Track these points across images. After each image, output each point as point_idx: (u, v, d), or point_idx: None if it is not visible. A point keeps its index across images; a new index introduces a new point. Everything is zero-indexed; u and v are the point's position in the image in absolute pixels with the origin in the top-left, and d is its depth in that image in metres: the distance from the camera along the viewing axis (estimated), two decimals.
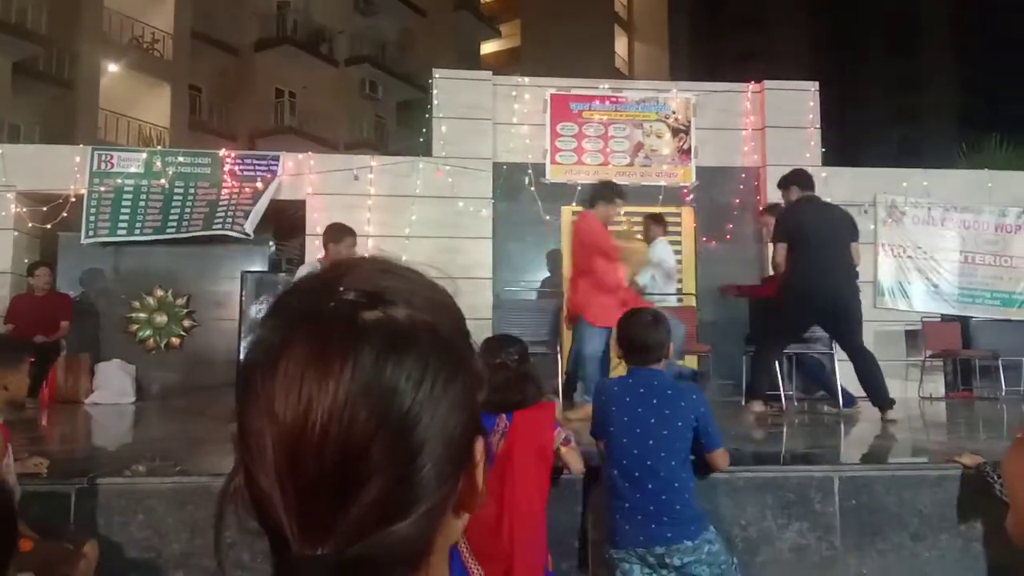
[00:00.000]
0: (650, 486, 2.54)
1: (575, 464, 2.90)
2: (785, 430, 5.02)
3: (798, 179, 5.73)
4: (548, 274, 8.21)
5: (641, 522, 2.54)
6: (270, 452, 0.48)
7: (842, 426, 5.19)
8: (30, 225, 7.92)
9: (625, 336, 2.77)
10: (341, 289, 0.51)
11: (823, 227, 5.40)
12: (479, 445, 0.54)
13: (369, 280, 0.53)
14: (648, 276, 6.68)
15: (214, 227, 7.66)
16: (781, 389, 5.74)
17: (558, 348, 6.19)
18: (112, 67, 19.09)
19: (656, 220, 7.28)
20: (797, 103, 8.55)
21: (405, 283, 0.54)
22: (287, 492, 0.47)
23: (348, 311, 0.50)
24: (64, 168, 7.79)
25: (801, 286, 5.32)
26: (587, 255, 5.37)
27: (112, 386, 7.23)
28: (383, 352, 0.49)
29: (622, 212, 8.20)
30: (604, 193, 5.60)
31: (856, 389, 5.80)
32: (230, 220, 7.68)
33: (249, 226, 7.60)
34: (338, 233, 5.51)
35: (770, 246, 5.79)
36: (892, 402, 5.30)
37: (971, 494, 3.19)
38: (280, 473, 0.47)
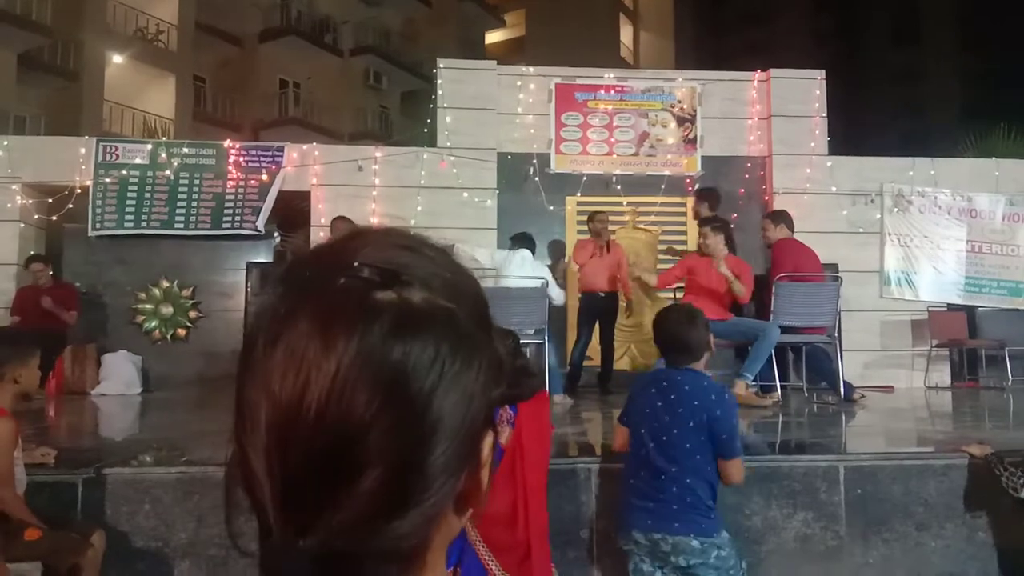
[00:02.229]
0: (663, 477, 2.53)
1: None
2: (789, 420, 5.01)
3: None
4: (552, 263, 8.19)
5: (652, 509, 2.54)
6: (263, 430, 0.45)
7: (844, 416, 5.18)
8: (35, 217, 7.94)
9: (661, 335, 2.70)
10: (356, 264, 0.48)
11: None
12: (488, 441, 0.51)
13: (387, 256, 0.49)
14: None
15: (223, 226, 7.75)
16: (776, 379, 5.71)
17: (546, 338, 6.17)
18: (116, 58, 19.07)
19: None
20: (803, 92, 8.51)
21: (426, 263, 0.50)
22: (274, 475, 0.44)
23: (360, 289, 0.47)
24: (69, 160, 7.81)
25: None
26: None
27: (119, 377, 7.27)
28: (391, 334, 0.45)
29: (625, 202, 8.26)
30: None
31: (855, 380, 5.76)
32: (239, 218, 7.77)
33: (260, 222, 7.74)
34: (345, 223, 5.62)
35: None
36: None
37: (977, 484, 3.19)
38: (270, 454, 0.44)
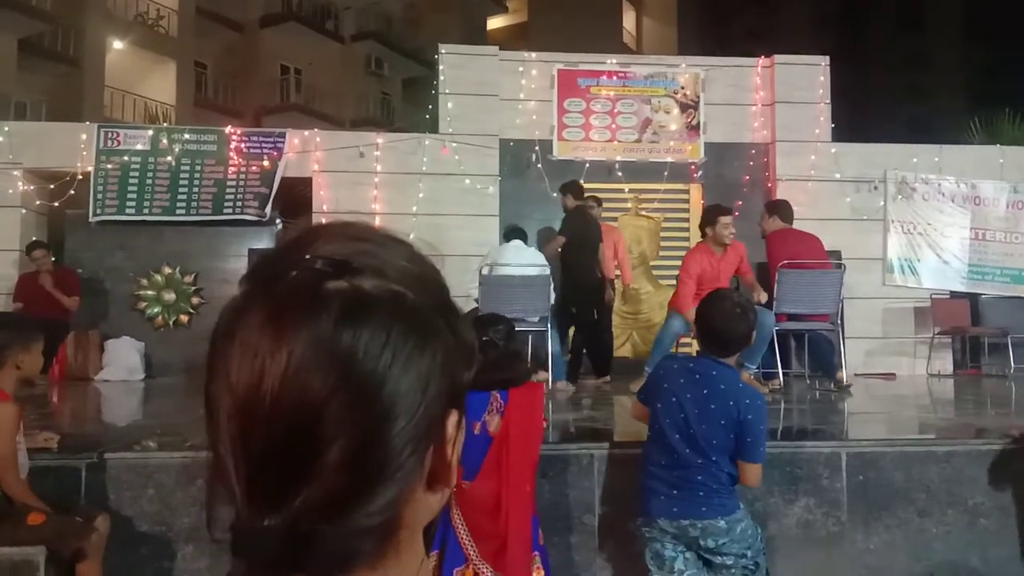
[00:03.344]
0: (689, 467, 2.52)
1: None
2: (791, 407, 5.01)
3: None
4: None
5: (678, 497, 2.53)
6: (225, 420, 0.47)
7: (846, 403, 5.18)
8: (37, 203, 7.93)
9: (705, 324, 2.58)
10: (307, 257, 0.49)
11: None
12: (452, 419, 0.52)
13: (341, 248, 0.51)
14: None
15: (224, 211, 7.74)
16: (779, 367, 5.71)
17: (549, 326, 6.14)
18: (117, 44, 19.01)
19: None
20: (807, 78, 8.45)
21: (379, 252, 0.52)
22: (239, 460, 0.46)
23: (311, 280, 0.48)
24: (70, 145, 7.79)
25: None
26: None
27: (121, 363, 7.28)
28: (341, 321, 0.47)
29: (627, 189, 8.23)
30: (708, 218, 5.75)
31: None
32: (240, 203, 7.75)
33: (267, 208, 7.76)
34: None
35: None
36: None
37: (978, 470, 3.19)
38: (234, 441, 0.47)
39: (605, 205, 7.58)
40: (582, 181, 8.13)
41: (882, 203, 8.28)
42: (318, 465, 0.45)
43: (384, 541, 0.49)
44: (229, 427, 0.47)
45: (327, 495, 0.46)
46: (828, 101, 8.45)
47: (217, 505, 0.50)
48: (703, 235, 5.72)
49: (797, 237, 6.22)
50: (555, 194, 8.14)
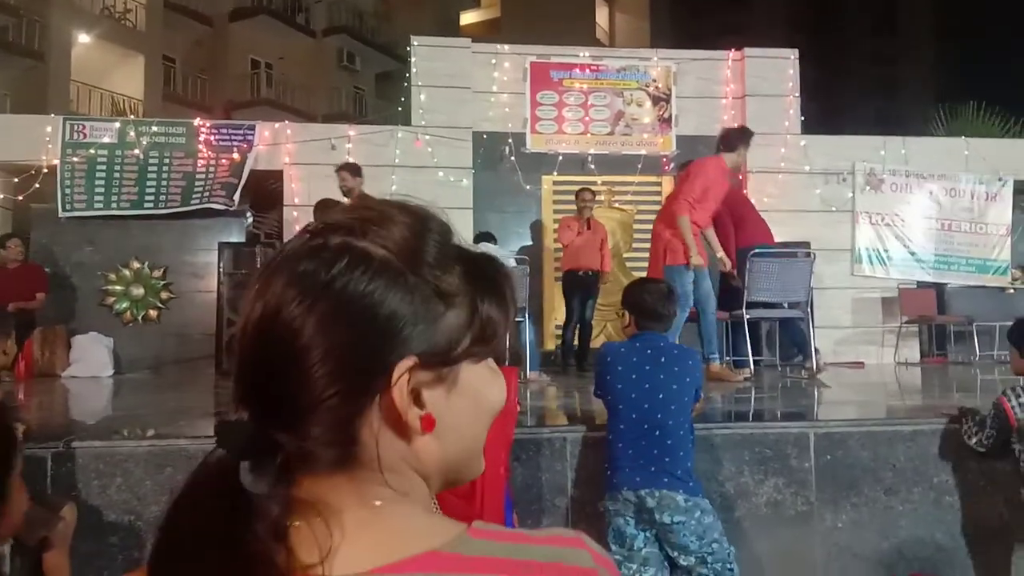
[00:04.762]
0: (657, 433, 2.67)
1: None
2: (762, 393, 5.07)
3: None
4: (530, 243, 8.19)
5: (642, 465, 2.64)
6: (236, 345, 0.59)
7: (816, 389, 5.25)
8: (1, 197, 7.78)
9: (641, 303, 2.93)
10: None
11: None
12: (401, 365, 0.55)
13: (340, 216, 0.61)
14: None
15: (192, 202, 7.63)
16: (749, 354, 5.77)
17: (527, 317, 6.18)
18: (83, 38, 18.65)
19: None
20: (777, 71, 8.55)
21: (365, 212, 0.61)
22: (236, 375, 0.58)
23: (298, 244, 0.59)
24: (35, 138, 7.64)
25: None
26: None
27: (89, 359, 7.15)
28: (306, 257, 0.57)
29: (600, 182, 8.27)
30: (744, 138, 5.61)
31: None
32: (208, 193, 7.65)
33: (235, 196, 7.66)
34: (328, 207, 5.66)
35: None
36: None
37: (943, 449, 3.25)
38: (237, 360, 0.59)
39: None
40: (555, 173, 8.21)
41: (851, 194, 8.40)
42: (266, 384, 0.56)
43: (345, 455, 0.56)
44: (235, 347, 0.59)
45: (273, 407, 0.55)
46: (798, 94, 8.55)
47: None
48: (725, 151, 5.55)
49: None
50: (528, 187, 8.19)
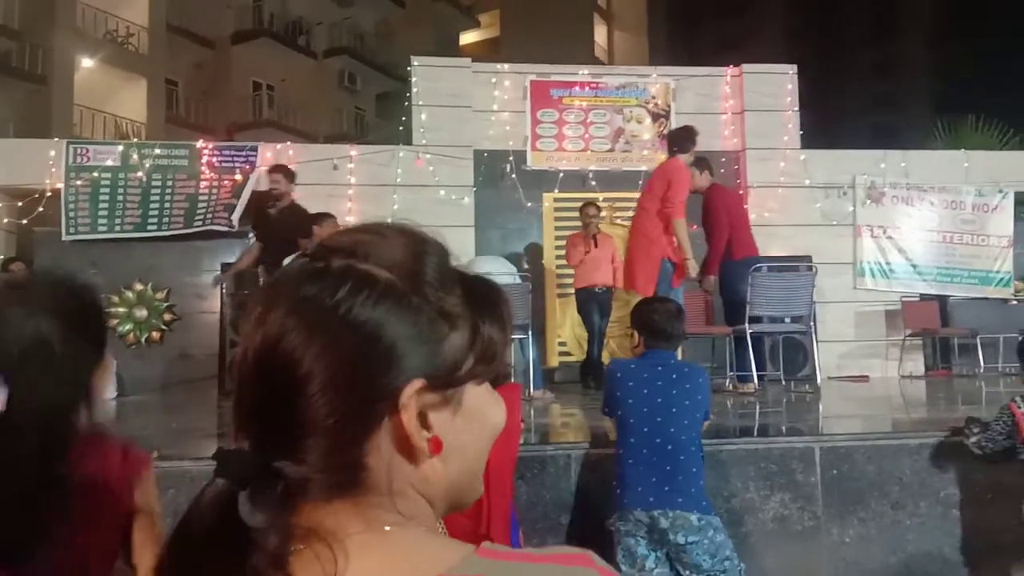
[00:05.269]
0: (669, 448, 2.66)
1: None
2: (767, 407, 5.05)
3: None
4: (531, 260, 8.20)
5: (655, 483, 2.61)
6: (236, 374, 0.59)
7: (821, 403, 5.24)
8: (5, 221, 7.82)
9: (651, 323, 2.92)
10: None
11: None
12: (409, 389, 0.55)
13: (337, 239, 0.61)
14: None
15: (195, 224, 7.67)
16: (753, 368, 5.75)
17: (530, 334, 6.18)
18: (87, 62, 18.81)
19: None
20: (776, 86, 8.59)
21: (370, 238, 0.60)
22: (236, 406, 0.58)
23: (300, 267, 0.59)
24: (39, 162, 7.69)
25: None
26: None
27: None
28: (308, 280, 0.57)
29: (601, 198, 8.28)
30: (691, 136, 5.67)
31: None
32: (211, 215, 7.69)
33: (235, 217, 7.67)
34: (319, 217, 5.73)
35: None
36: None
37: (949, 462, 3.24)
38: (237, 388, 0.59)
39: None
40: (556, 190, 8.23)
41: (851, 208, 8.42)
42: (267, 410, 0.56)
43: (350, 481, 0.55)
44: (235, 374, 0.59)
45: (274, 434, 0.55)
46: (796, 109, 8.59)
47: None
48: (680, 152, 5.63)
49: (728, 192, 6.33)
50: (529, 204, 8.21)
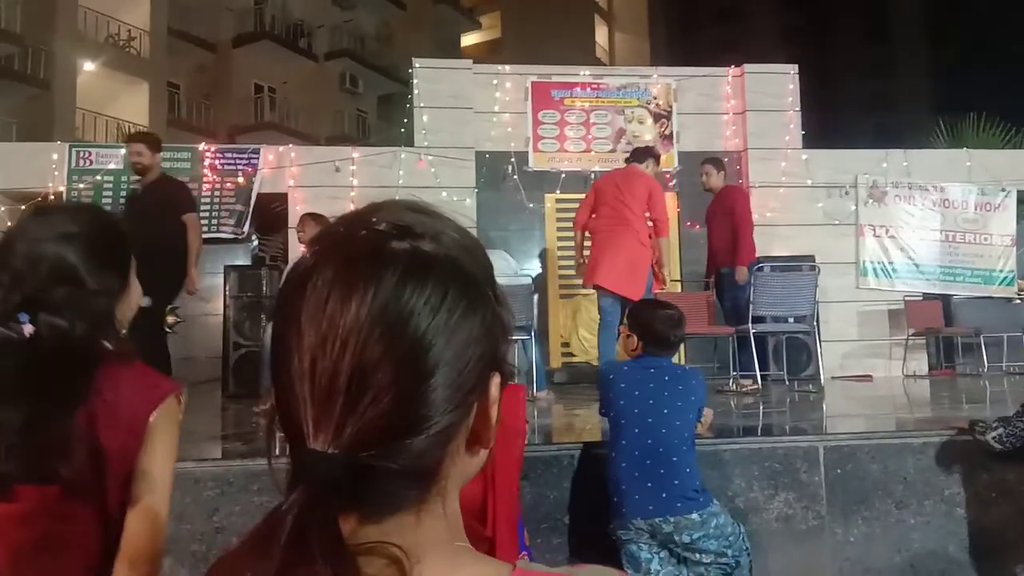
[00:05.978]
0: (661, 449, 2.64)
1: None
2: (770, 407, 5.05)
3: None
4: (534, 261, 8.21)
5: (651, 490, 2.60)
6: (296, 360, 0.52)
7: (824, 403, 5.23)
8: (8, 224, 7.82)
9: (652, 329, 2.88)
10: (373, 220, 0.55)
11: None
12: (495, 381, 0.56)
13: (401, 216, 0.56)
14: None
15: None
16: (756, 369, 5.75)
17: (533, 335, 6.19)
18: (88, 65, 18.86)
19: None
20: (777, 86, 8.59)
21: (436, 222, 0.57)
22: (306, 394, 0.51)
23: (377, 239, 0.53)
24: (41, 166, 7.71)
25: None
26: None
27: None
28: (404, 277, 0.51)
29: None
30: (652, 153, 5.93)
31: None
32: (216, 221, 7.70)
33: (245, 226, 7.73)
34: (317, 217, 5.80)
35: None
36: None
37: (954, 461, 3.23)
38: (302, 378, 0.52)
39: None
40: (558, 191, 8.23)
41: (854, 207, 8.41)
42: (371, 406, 0.50)
43: (429, 487, 0.53)
44: (299, 365, 0.52)
45: (379, 433, 0.50)
46: (798, 108, 8.58)
47: (274, 443, 0.58)
48: (639, 163, 5.86)
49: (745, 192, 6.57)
50: (531, 205, 8.21)
